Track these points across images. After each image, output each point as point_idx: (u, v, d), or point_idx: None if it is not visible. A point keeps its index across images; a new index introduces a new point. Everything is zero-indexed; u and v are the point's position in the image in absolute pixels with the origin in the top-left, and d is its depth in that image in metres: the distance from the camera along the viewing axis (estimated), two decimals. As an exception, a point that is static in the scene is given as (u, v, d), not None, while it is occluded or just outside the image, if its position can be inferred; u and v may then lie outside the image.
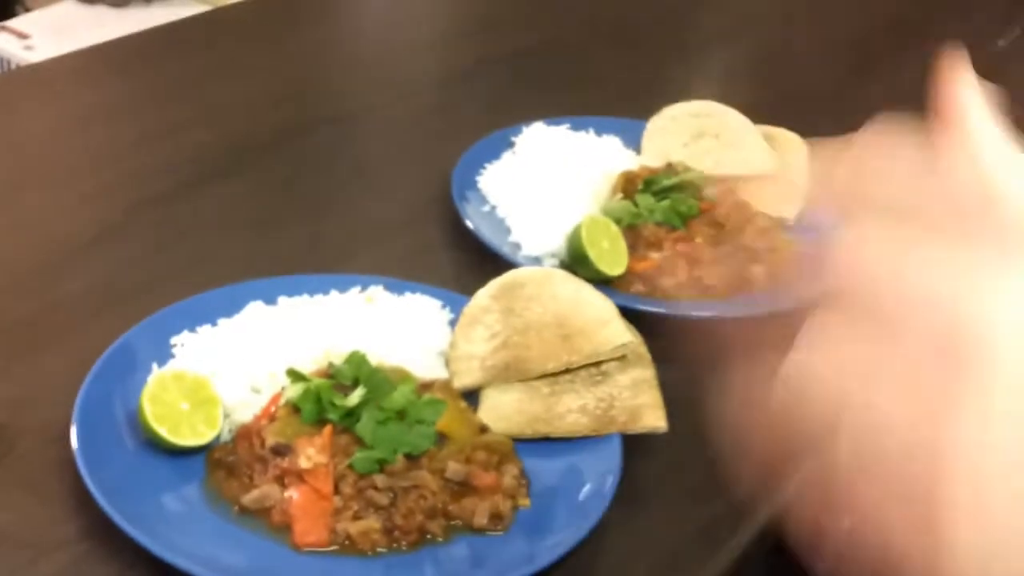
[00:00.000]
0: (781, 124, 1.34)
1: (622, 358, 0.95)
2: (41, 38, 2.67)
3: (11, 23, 2.71)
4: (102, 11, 2.83)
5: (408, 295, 1.01)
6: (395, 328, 0.96)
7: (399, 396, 0.86)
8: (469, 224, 1.13)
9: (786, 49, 1.74)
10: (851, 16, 1.88)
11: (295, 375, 0.88)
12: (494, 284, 1.02)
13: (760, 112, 1.35)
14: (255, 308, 0.97)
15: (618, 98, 1.46)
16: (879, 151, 0.42)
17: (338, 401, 0.85)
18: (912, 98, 1.60)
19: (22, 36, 2.67)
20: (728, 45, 1.73)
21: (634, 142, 1.30)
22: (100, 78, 1.52)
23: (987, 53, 1.72)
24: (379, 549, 0.80)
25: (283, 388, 0.88)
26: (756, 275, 1.10)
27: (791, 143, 1.29)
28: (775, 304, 1.09)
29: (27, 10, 2.97)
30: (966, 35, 1.80)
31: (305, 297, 0.99)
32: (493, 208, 1.18)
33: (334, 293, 0.99)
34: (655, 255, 1.11)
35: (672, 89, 1.40)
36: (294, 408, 0.86)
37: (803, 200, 1.23)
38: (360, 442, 0.83)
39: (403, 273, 1.05)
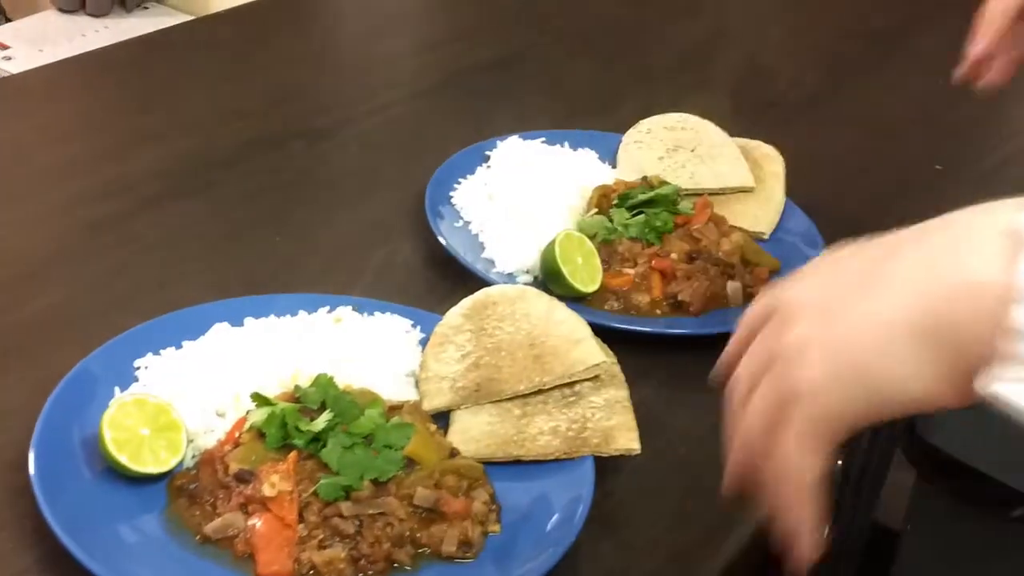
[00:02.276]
0: (758, 136, 1.32)
1: (595, 378, 0.93)
2: (20, 48, 2.65)
3: (-10, 34, 2.69)
4: (82, 21, 2.82)
5: (378, 315, 0.99)
6: (364, 350, 0.94)
7: (366, 420, 0.84)
8: (442, 240, 1.11)
9: (762, 61, 1.73)
10: (827, 27, 1.87)
11: (260, 399, 0.86)
12: (466, 303, 1.00)
13: (737, 124, 1.34)
14: (221, 330, 0.95)
15: (593, 111, 1.45)
16: None
17: (303, 426, 0.83)
18: (887, 108, 1.59)
19: (1, 47, 2.65)
20: (704, 57, 1.72)
21: (609, 155, 1.29)
22: (70, 91, 1.50)
23: (962, 63, 1.72)
24: (345, 579, 0.78)
25: (248, 412, 0.86)
26: (731, 291, 1.09)
27: (768, 157, 1.28)
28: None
29: (7, 20, 2.95)
30: (941, 45, 1.79)
31: (272, 318, 0.97)
32: (467, 224, 1.16)
33: (302, 314, 0.98)
34: (630, 271, 1.09)
35: (648, 102, 1.39)
36: (259, 433, 0.84)
37: (778, 214, 1.22)
38: (326, 468, 0.82)
39: (374, 291, 1.03)
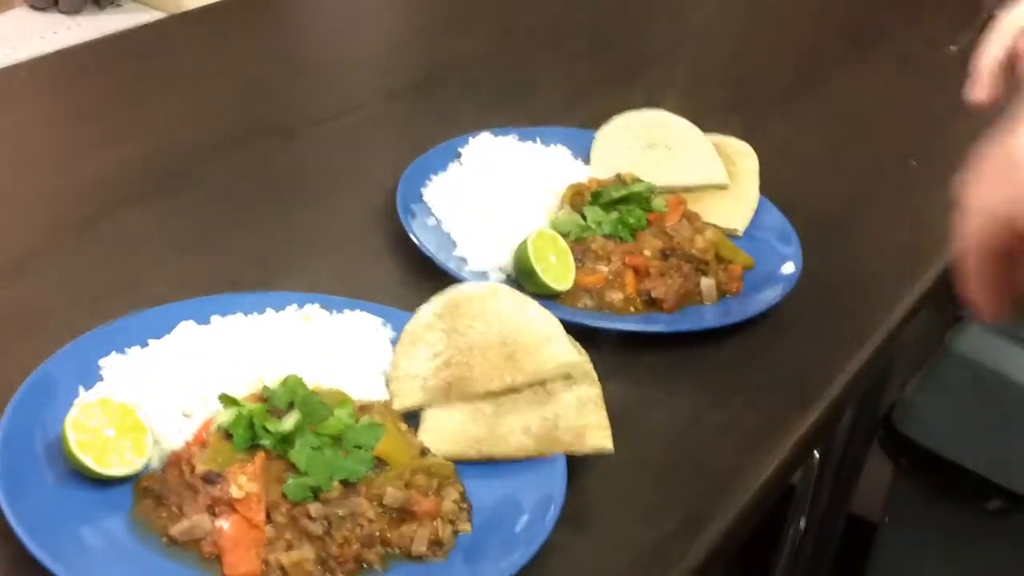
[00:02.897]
0: (732, 133, 1.32)
1: (567, 377, 0.92)
2: (-8, 46, 2.63)
3: (-39, 31, 2.66)
4: (55, 18, 2.79)
5: (348, 313, 0.98)
6: (333, 348, 0.93)
7: (335, 421, 0.84)
8: (414, 238, 1.10)
9: (736, 58, 1.73)
10: (803, 22, 1.87)
11: (227, 399, 0.85)
12: (437, 301, 0.99)
13: (710, 121, 1.33)
14: (187, 328, 0.93)
15: (567, 108, 1.44)
16: None
17: (271, 426, 0.82)
18: (861, 104, 1.59)
19: (-29, 46, 2.63)
20: (678, 54, 1.72)
21: (583, 152, 1.28)
22: (39, 90, 1.48)
23: (939, 59, 1.73)
24: (314, 580, 0.77)
25: (215, 413, 0.85)
26: (705, 288, 1.08)
27: (741, 153, 1.28)
28: (723, 318, 1.08)
29: (-20, 17, 2.92)
30: (919, 41, 1.79)
31: (240, 316, 0.96)
32: (439, 221, 1.15)
33: (270, 312, 0.97)
34: (603, 268, 1.08)
35: (621, 99, 1.38)
36: (226, 434, 0.83)
37: (752, 210, 1.21)
38: (294, 469, 0.81)
39: (345, 289, 1.02)
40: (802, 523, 1.70)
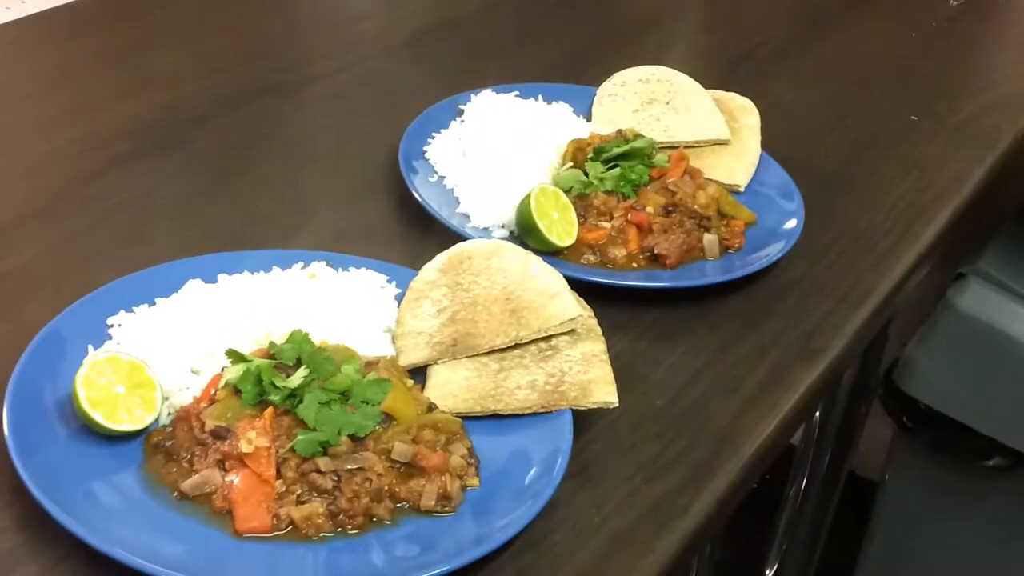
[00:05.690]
0: (733, 88, 1.32)
1: (572, 332, 0.93)
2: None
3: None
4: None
5: (353, 270, 0.98)
6: (339, 305, 0.93)
7: (343, 376, 0.84)
8: (417, 195, 1.10)
9: (737, 13, 1.72)
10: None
11: (235, 356, 0.85)
12: (441, 257, 1.00)
13: (711, 76, 1.33)
14: (194, 286, 0.94)
15: (568, 65, 1.44)
16: None
17: (279, 382, 0.83)
18: (862, 59, 1.59)
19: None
20: (680, 10, 1.71)
21: (584, 109, 1.28)
22: (35, 48, 1.47)
23: (940, 13, 1.72)
24: (323, 534, 0.78)
25: (223, 369, 0.85)
26: (708, 244, 1.09)
27: (743, 108, 1.28)
28: (726, 274, 1.08)
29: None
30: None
31: (246, 274, 0.96)
32: (441, 179, 1.15)
33: (276, 270, 0.97)
34: (605, 225, 1.09)
35: (622, 55, 1.38)
36: (234, 390, 0.83)
37: (754, 166, 1.21)
38: (302, 424, 0.81)
39: (348, 247, 1.02)
40: (803, 482, 1.72)
